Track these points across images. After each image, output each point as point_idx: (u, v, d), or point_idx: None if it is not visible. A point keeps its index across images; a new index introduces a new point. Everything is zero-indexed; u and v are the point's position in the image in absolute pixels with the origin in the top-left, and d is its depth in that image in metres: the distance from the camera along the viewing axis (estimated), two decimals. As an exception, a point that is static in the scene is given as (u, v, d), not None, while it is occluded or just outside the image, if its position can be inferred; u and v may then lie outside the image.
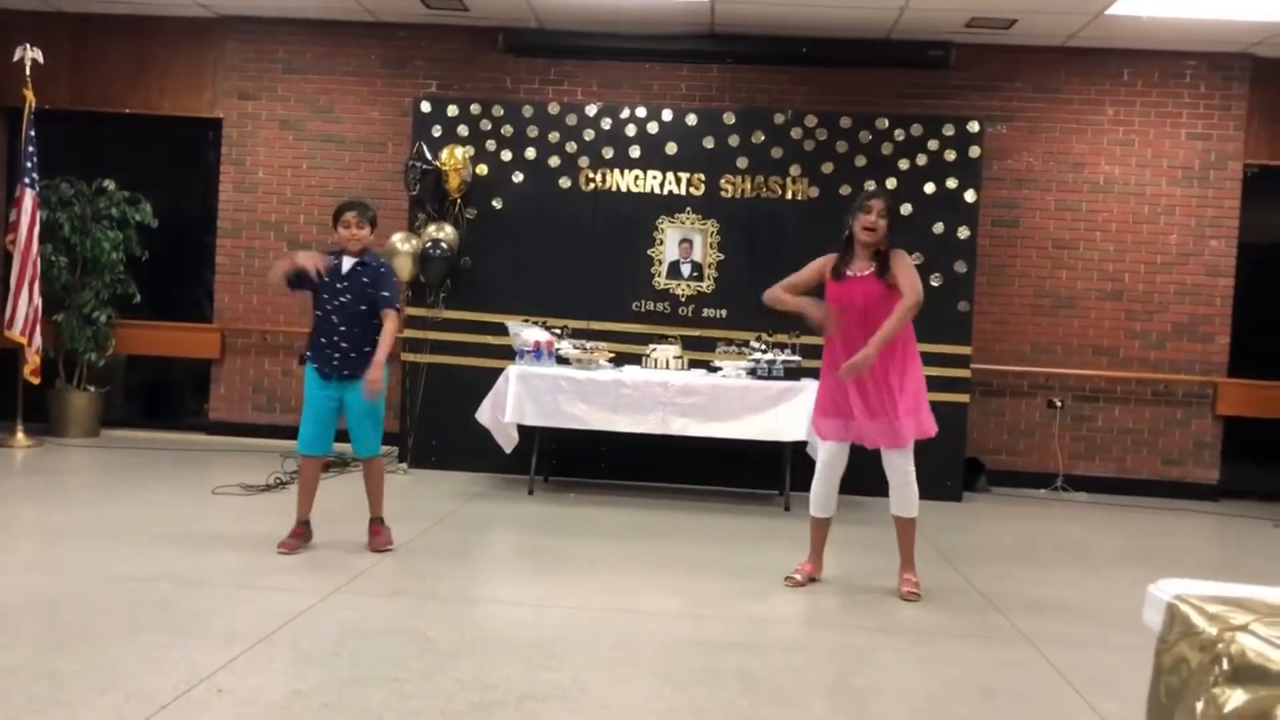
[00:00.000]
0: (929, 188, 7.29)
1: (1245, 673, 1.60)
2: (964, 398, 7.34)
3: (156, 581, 4.29)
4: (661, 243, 7.41)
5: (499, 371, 6.76)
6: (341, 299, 4.83)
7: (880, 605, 4.59)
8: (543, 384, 6.61)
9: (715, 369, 6.99)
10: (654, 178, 7.41)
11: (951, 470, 7.26)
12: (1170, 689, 1.77)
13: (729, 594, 4.62)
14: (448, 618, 4.04)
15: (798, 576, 4.79)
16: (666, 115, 7.46)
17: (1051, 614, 4.57)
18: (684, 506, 6.68)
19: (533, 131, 7.47)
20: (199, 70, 8.43)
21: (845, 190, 7.21)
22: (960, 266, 7.28)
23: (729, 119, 7.43)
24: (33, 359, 7.54)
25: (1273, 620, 1.67)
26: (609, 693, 3.32)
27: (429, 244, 7.21)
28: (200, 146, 8.63)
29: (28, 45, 7.49)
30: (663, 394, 6.58)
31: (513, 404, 6.56)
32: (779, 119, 7.41)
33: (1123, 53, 7.95)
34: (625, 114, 7.46)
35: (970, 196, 7.30)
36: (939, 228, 7.26)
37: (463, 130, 7.47)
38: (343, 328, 4.83)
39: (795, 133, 7.37)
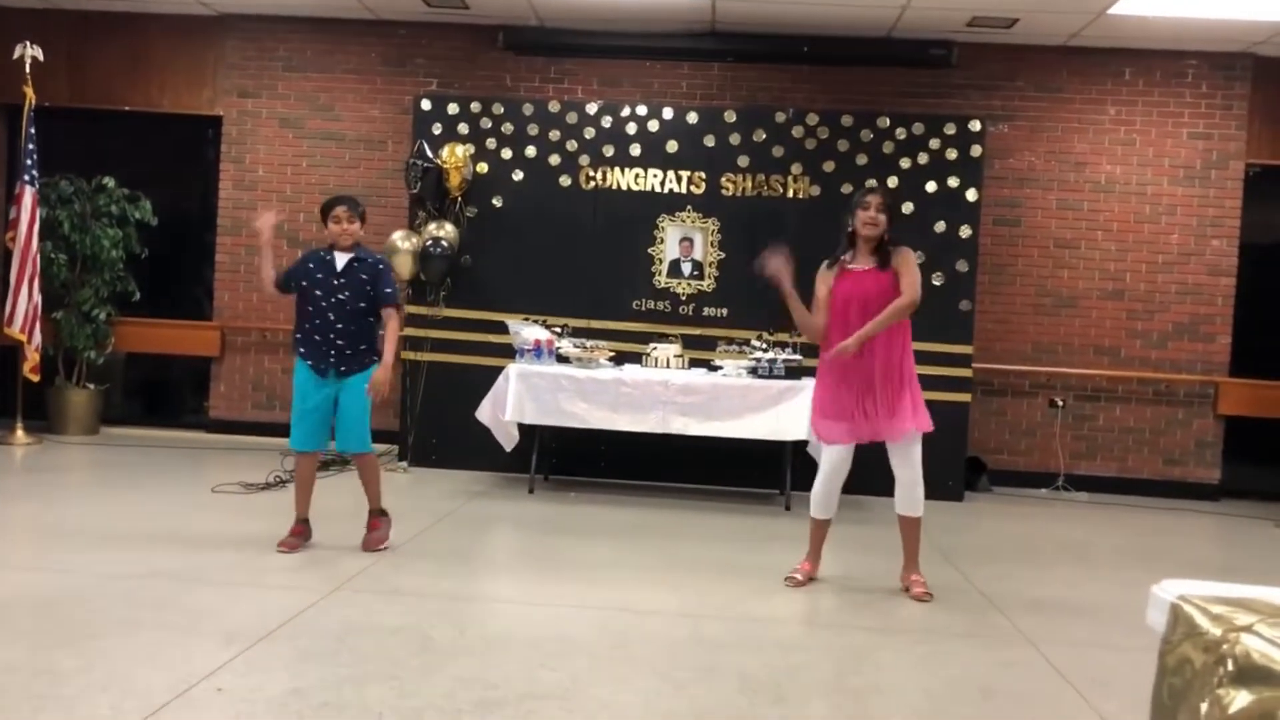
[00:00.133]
0: (930, 186, 7.28)
1: (1250, 674, 1.59)
2: (965, 397, 7.33)
3: (156, 579, 4.29)
4: (662, 241, 7.40)
5: (499, 370, 6.76)
6: (339, 296, 4.80)
7: (880, 605, 4.58)
8: (543, 383, 6.60)
9: (716, 368, 6.98)
10: (655, 176, 7.40)
11: (953, 470, 7.25)
12: (1174, 690, 1.76)
13: (729, 593, 4.61)
14: (448, 616, 4.03)
15: (798, 576, 4.78)
16: (667, 113, 7.45)
17: (1052, 614, 4.56)
18: (684, 506, 6.67)
19: (533, 129, 7.46)
20: (199, 68, 8.42)
21: (846, 189, 7.19)
22: (962, 265, 7.28)
23: (730, 117, 7.42)
24: (32, 356, 7.53)
25: (1277, 621, 1.66)
26: (608, 692, 3.31)
27: (429, 242, 7.20)
28: (200, 144, 8.63)
29: (28, 42, 7.48)
30: (663, 393, 6.57)
31: (513, 402, 6.55)
32: (780, 117, 7.40)
33: (1124, 52, 7.94)
34: (626, 112, 7.45)
35: (972, 195, 7.29)
36: (940, 226, 7.25)
37: (463, 128, 7.46)
38: (340, 325, 4.81)
39: (796, 131, 7.36)
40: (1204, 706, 1.64)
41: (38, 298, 7.55)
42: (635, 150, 7.41)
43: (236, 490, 6.21)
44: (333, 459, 6.97)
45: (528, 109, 7.50)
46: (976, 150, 7.32)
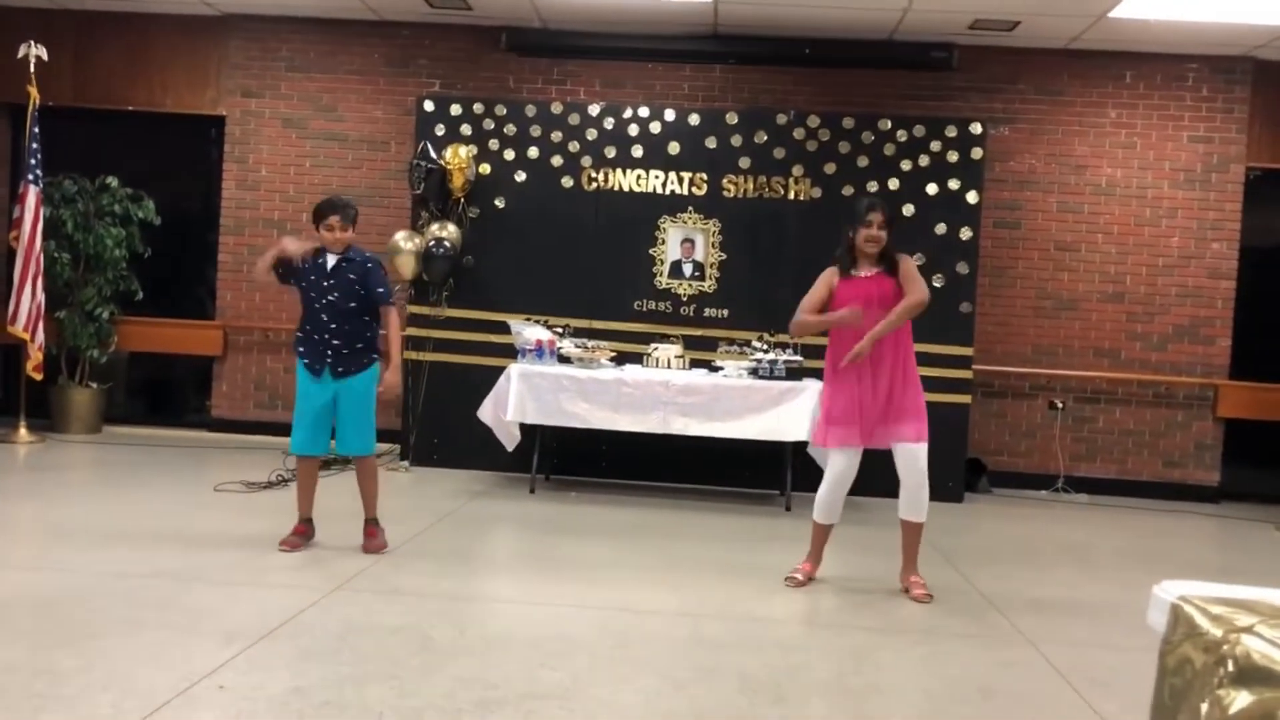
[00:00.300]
0: (931, 189, 7.29)
1: (1250, 675, 1.60)
2: (965, 399, 7.34)
3: (157, 578, 4.30)
4: (663, 242, 7.41)
5: (501, 370, 6.77)
6: (329, 297, 4.80)
7: (880, 605, 4.59)
8: (544, 383, 6.61)
9: (717, 369, 6.99)
10: (656, 177, 7.41)
11: (953, 471, 7.25)
12: (1174, 690, 1.77)
13: (729, 593, 4.62)
14: (448, 616, 4.04)
15: (798, 576, 4.79)
16: (669, 115, 7.46)
17: (1052, 614, 4.57)
18: (685, 506, 6.68)
19: (535, 131, 7.47)
20: (202, 68, 8.43)
21: (848, 191, 7.21)
22: (962, 268, 7.29)
23: (731, 119, 7.43)
24: (35, 355, 7.54)
25: (1278, 622, 1.67)
26: (609, 692, 3.32)
27: (432, 243, 7.21)
28: (203, 144, 8.64)
29: (32, 42, 7.49)
30: (664, 393, 6.58)
31: (514, 402, 6.56)
32: (781, 119, 7.41)
33: (1125, 55, 7.95)
34: (628, 114, 7.46)
35: (972, 198, 7.30)
36: (941, 229, 7.26)
37: (465, 129, 7.47)
38: (334, 325, 4.80)
39: (798, 133, 7.37)
40: (1204, 707, 1.65)
41: (41, 297, 7.56)
42: (637, 152, 7.42)
43: (238, 489, 6.22)
44: (334, 458, 6.98)
45: (530, 110, 7.51)
46: (977, 153, 7.33)
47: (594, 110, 7.49)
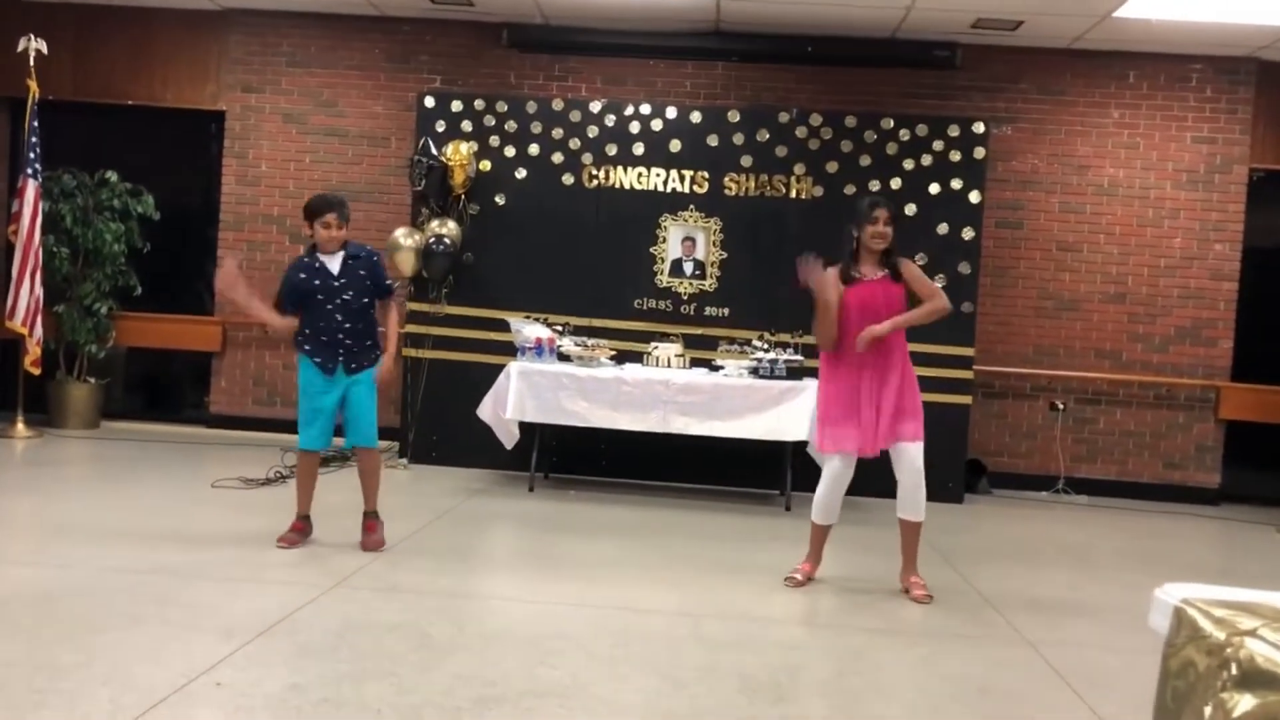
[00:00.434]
0: (934, 188, 7.27)
1: (1254, 677, 1.59)
2: (966, 399, 7.33)
3: (156, 574, 4.29)
4: (664, 240, 7.40)
5: (500, 368, 6.76)
6: (344, 296, 4.80)
7: (879, 605, 4.58)
8: (544, 381, 6.60)
9: (717, 368, 6.98)
10: (657, 175, 7.40)
11: (953, 472, 7.24)
12: (1177, 693, 1.76)
13: (729, 593, 4.61)
14: (447, 613, 4.03)
15: (798, 576, 4.78)
16: (671, 113, 7.45)
17: (1051, 615, 4.57)
18: (684, 505, 6.67)
19: (536, 128, 7.46)
20: (202, 62, 8.42)
21: (849, 190, 7.20)
22: (964, 267, 7.27)
23: (733, 117, 7.42)
24: (33, 350, 7.54)
25: (1281, 625, 1.66)
26: (608, 690, 3.31)
27: (432, 239, 7.20)
28: (203, 139, 8.63)
29: (31, 36, 7.49)
30: (664, 392, 6.57)
31: (514, 400, 6.55)
32: (783, 118, 7.40)
33: (1128, 55, 7.93)
34: (629, 111, 7.45)
35: (975, 197, 7.29)
36: (943, 228, 7.25)
37: (466, 126, 7.46)
38: (348, 324, 4.81)
39: (800, 131, 7.36)
40: (1208, 710, 1.64)
41: (39, 291, 7.55)
42: (638, 149, 7.41)
43: (236, 485, 6.21)
44: (332, 455, 6.98)
45: (531, 107, 7.50)
46: (980, 152, 7.32)
47: (595, 107, 7.48)
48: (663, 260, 7.40)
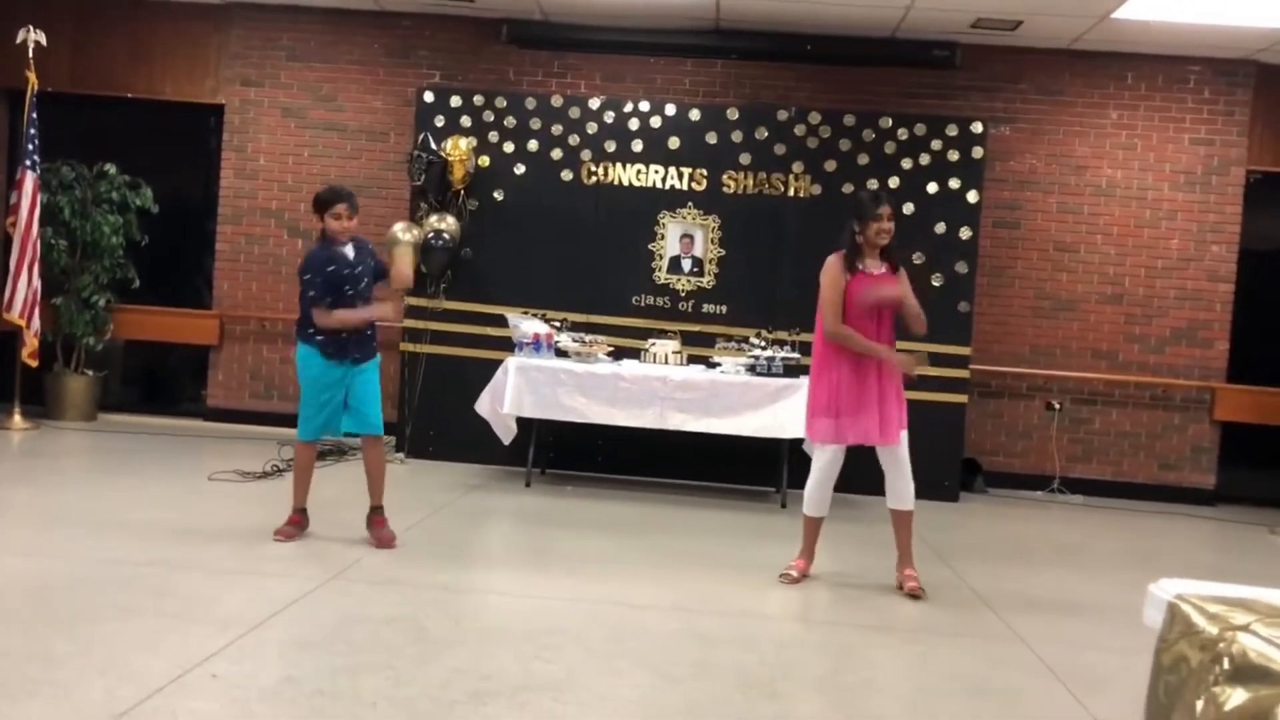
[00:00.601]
0: (931, 187, 7.28)
1: (1246, 672, 1.60)
2: (962, 398, 7.34)
3: (152, 566, 4.29)
4: (663, 237, 7.40)
5: (498, 363, 6.76)
6: (361, 284, 4.89)
7: (874, 602, 4.59)
8: (541, 376, 6.61)
9: (714, 365, 6.98)
10: (656, 172, 7.41)
11: (948, 471, 7.25)
12: (1169, 687, 1.77)
13: (724, 589, 4.62)
14: (443, 607, 4.03)
15: (793, 573, 4.80)
16: (670, 110, 7.45)
17: (1045, 613, 4.58)
18: (680, 501, 6.68)
19: (535, 124, 7.46)
20: (202, 56, 8.40)
21: (848, 188, 7.20)
22: (961, 267, 7.28)
23: (732, 115, 7.42)
24: (31, 342, 7.52)
25: (1274, 621, 1.67)
26: (602, 685, 3.32)
27: (431, 234, 7.20)
28: (202, 132, 8.61)
29: (30, 27, 7.46)
30: (661, 389, 6.57)
31: (511, 396, 6.55)
32: (782, 116, 7.40)
33: (1127, 57, 7.94)
34: (628, 108, 7.45)
35: (972, 197, 7.30)
36: (940, 228, 7.26)
37: (465, 121, 7.46)
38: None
39: (798, 130, 7.37)
40: (1200, 704, 1.65)
41: (37, 283, 7.54)
42: (637, 146, 7.41)
43: (233, 479, 6.21)
44: (329, 449, 6.98)
45: (530, 103, 7.50)
46: (978, 152, 7.33)
47: (594, 104, 7.48)
48: (661, 257, 7.40)
